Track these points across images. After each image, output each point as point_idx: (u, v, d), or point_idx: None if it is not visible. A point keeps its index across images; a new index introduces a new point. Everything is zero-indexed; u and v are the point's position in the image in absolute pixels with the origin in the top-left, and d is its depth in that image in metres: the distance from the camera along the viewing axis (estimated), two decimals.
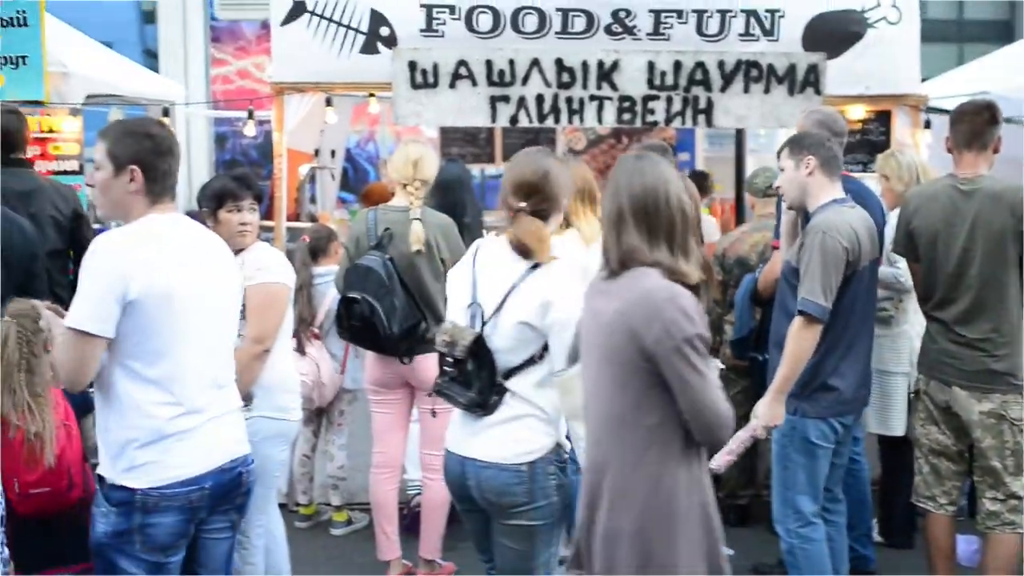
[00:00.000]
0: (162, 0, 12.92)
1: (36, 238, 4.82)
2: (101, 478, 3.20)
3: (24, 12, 6.00)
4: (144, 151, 3.20)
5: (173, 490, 3.14)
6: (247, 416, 4.24)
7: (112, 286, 3.05)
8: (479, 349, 3.49)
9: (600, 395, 2.98)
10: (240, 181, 4.38)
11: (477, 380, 3.50)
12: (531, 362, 3.49)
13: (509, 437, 3.49)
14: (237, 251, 4.33)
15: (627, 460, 2.90)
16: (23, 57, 6.00)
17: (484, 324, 3.52)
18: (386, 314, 4.95)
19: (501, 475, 3.47)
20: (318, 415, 5.98)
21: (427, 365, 5.10)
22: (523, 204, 3.52)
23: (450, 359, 3.57)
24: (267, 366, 4.30)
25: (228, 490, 3.31)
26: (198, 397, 3.21)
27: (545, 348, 3.48)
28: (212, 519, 3.32)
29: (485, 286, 3.57)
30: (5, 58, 6.00)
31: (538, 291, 3.45)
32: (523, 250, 3.50)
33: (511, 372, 3.49)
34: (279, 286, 4.35)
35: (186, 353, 3.18)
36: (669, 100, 6.06)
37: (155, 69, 11.77)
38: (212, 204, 4.34)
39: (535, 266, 3.48)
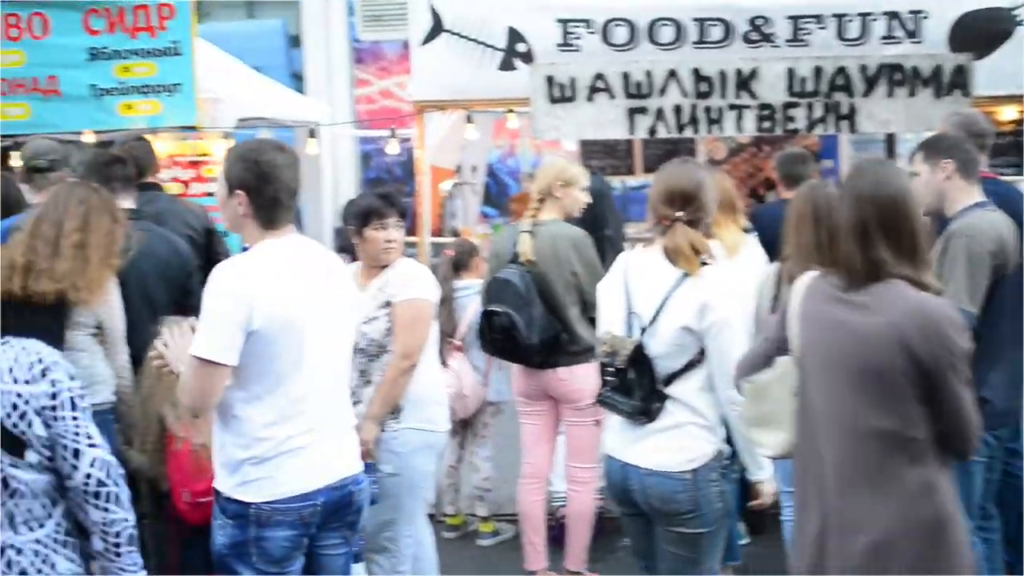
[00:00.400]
0: (307, 25, 13.26)
1: (190, 256, 5.03)
2: (218, 491, 3.29)
3: (177, 42, 6.26)
4: (249, 177, 3.24)
5: (285, 505, 3.22)
6: (395, 428, 4.35)
7: (235, 316, 3.13)
8: (639, 357, 3.53)
9: (843, 408, 2.88)
10: (385, 199, 4.48)
11: (639, 388, 3.54)
12: (690, 367, 3.52)
13: (672, 444, 3.52)
14: (382, 267, 4.45)
15: (897, 474, 2.82)
16: (177, 85, 6.27)
17: (642, 332, 3.55)
18: (525, 325, 5.02)
19: (665, 483, 3.51)
20: (463, 427, 6.05)
21: (568, 378, 5.14)
22: (679, 213, 3.55)
23: (611, 369, 3.61)
24: (417, 378, 4.39)
25: (339, 507, 3.36)
26: (312, 417, 3.28)
27: (702, 352, 3.50)
28: (325, 535, 3.38)
29: (640, 295, 3.60)
30: (161, 86, 6.27)
31: (694, 295, 3.48)
32: (678, 259, 3.52)
33: (671, 378, 3.53)
34: (424, 302, 4.43)
35: (303, 375, 3.25)
36: (810, 107, 5.96)
37: (301, 91, 12.10)
38: (358, 222, 4.45)
39: (688, 272, 3.51)
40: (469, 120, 6.90)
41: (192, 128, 6.41)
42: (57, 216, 4.25)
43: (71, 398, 2.77)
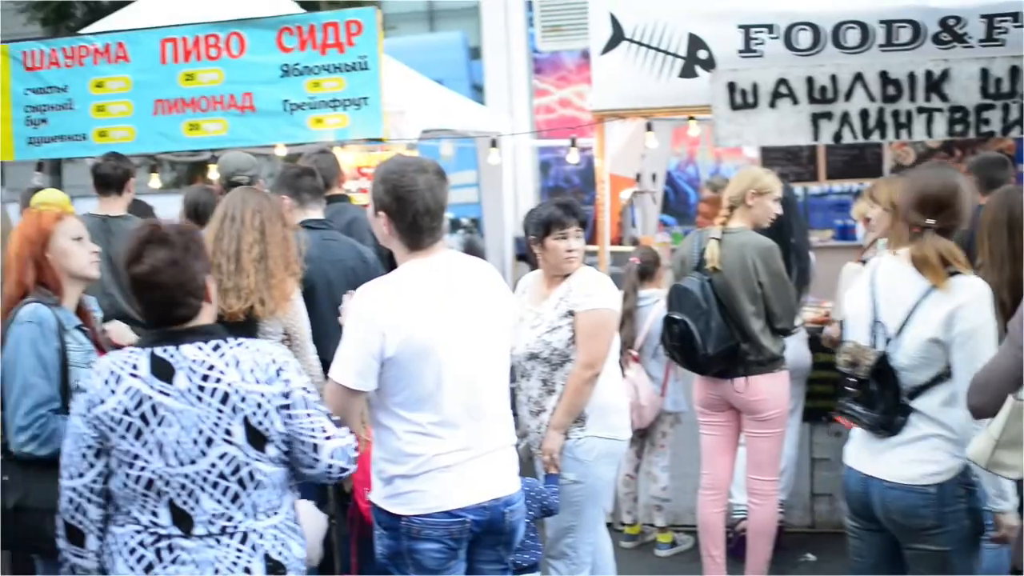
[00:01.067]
0: (487, 36, 13.48)
1: (376, 264, 5.17)
2: (372, 502, 3.38)
3: (365, 57, 6.44)
4: (389, 200, 3.28)
5: (434, 520, 3.26)
6: (580, 436, 4.37)
7: (370, 345, 3.18)
8: (883, 369, 3.44)
9: None
10: (566, 208, 4.50)
11: (881, 400, 3.45)
12: (938, 380, 3.39)
13: (916, 458, 3.41)
14: (564, 276, 4.48)
15: None
16: (364, 98, 6.44)
17: (887, 343, 3.46)
18: (701, 335, 4.99)
19: (908, 497, 3.41)
20: (641, 436, 6.03)
21: (750, 388, 5.07)
22: (930, 221, 3.43)
23: (852, 379, 3.53)
24: (600, 387, 4.39)
25: (491, 527, 3.37)
26: (463, 434, 3.30)
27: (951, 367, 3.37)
28: (480, 551, 3.40)
29: (886, 304, 3.50)
30: (349, 100, 6.46)
31: (942, 304, 3.35)
32: (924, 270, 3.41)
33: (917, 391, 3.42)
34: (607, 311, 4.43)
35: (451, 395, 3.27)
36: (1006, 108, 5.70)
37: (482, 102, 12.30)
38: (539, 231, 4.49)
39: (935, 285, 3.38)
40: (649, 128, 6.89)
41: (378, 140, 6.58)
42: (235, 231, 4.40)
43: (303, 396, 2.93)
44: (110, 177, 5.92)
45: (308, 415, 2.93)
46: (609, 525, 5.16)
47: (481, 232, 11.67)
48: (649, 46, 6.16)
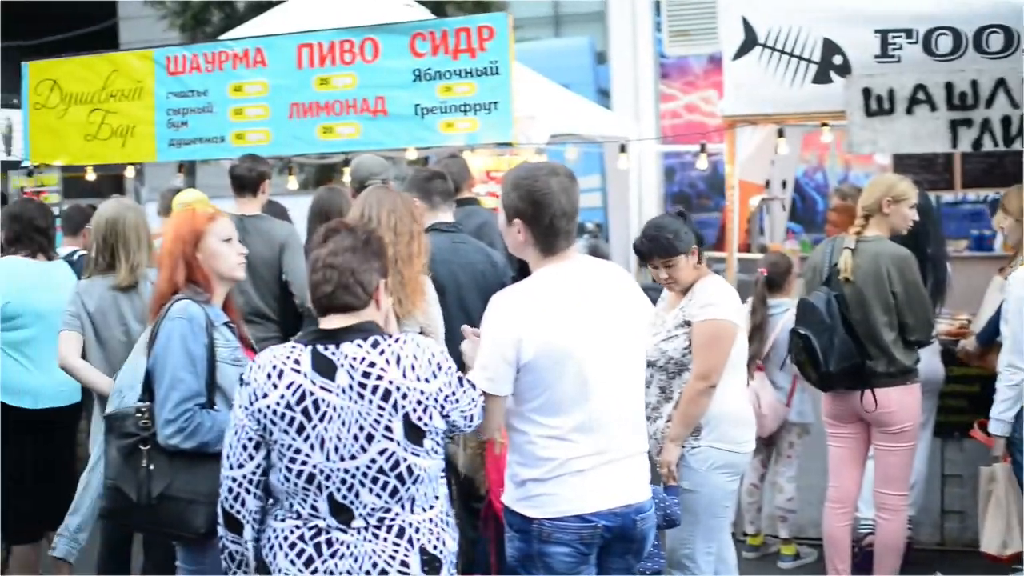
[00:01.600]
0: (614, 41, 13.48)
1: (505, 267, 5.21)
2: (505, 504, 3.40)
3: (496, 62, 6.50)
4: (524, 206, 3.27)
5: (564, 523, 3.26)
6: (695, 445, 4.34)
7: (505, 351, 3.19)
8: None
9: None
10: (646, 241, 4.47)
11: None
12: None
13: None
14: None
15: None
16: (495, 103, 6.50)
17: None
18: (823, 351, 4.93)
19: None
20: (767, 445, 5.96)
21: (882, 401, 4.97)
22: None
23: None
24: (719, 398, 4.35)
25: (622, 533, 3.35)
26: (598, 440, 3.29)
27: None
28: (609, 558, 3.39)
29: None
30: (479, 105, 6.53)
31: None
32: None
33: None
34: (724, 322, 4.37)
35: (586, 401, 3.26)
36: None
37: (608, 107, 12.30)
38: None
39: None
40: (781, 134, 6.80)
41: (507, 144, 6.64)
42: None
43: (457, 388, 3.03)
44: (246, 179, 6.08)
45: (459, 400, 3.03)
46: (732, 535, 5.11)
47: (605, 236, 11.67)
48: (783, 51, 6.08)
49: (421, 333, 4.49)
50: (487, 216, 5.96)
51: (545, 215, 3.26)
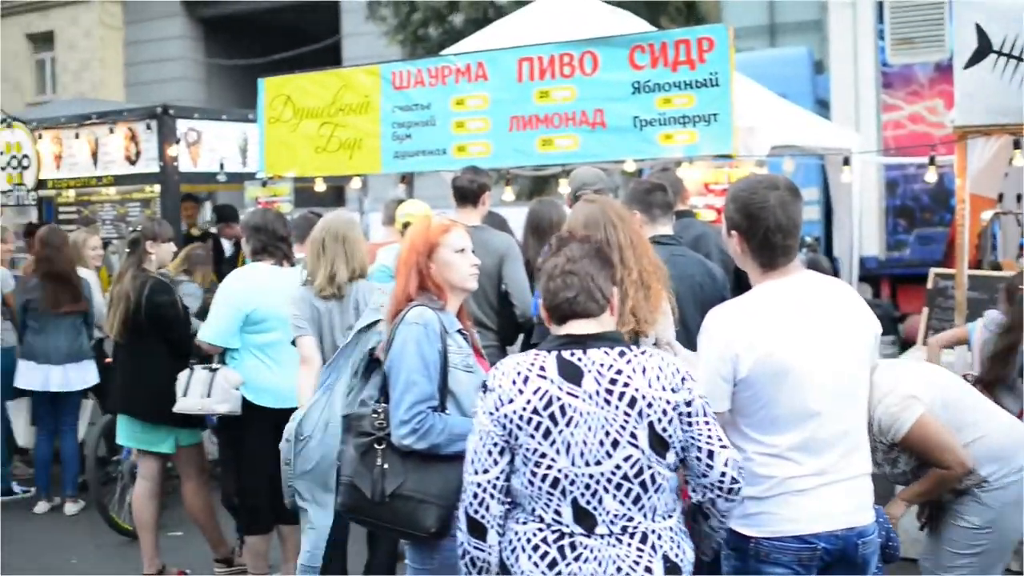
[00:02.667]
0: (833, 50, 13.13)
1: (724, 280, 5.14)
2: None
3: (716, 73, 6.44)
4: (740, 219, 3.24)
5: (782, 544, 3.19)
6: (986, 488, 4.14)
7: (721, 366, 3.16)
8: None
9: None
10: None
11: None
12: None
13: None
14: None
15: None
16: (714, 115, 6.44)
17: None
18: None
19: None
20: None
21: None
22: None
23: None
24: (990, 436, 4.16)
25: (843, 556, 3.25)
26: (819, 459, 3.21)
27: None
28: None
29: None
30: (699, 116, 6.48)
31: None
32: None
33: None
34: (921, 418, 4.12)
35: (806, 419, 3.18)
36: None
37: (827, 118, 11.99)
38: None
39: None
40: (1017, 146, 6.48)
41: (727, 156, 6.58)
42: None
43: (703, 405, 3.00)
44: (467, 190, 6.21)
45: (707, 423, 2.99)
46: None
47: (824, 251, 11.37)
48: (1019, 58, 5.80)
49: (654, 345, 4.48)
50: (704, 228, 5.91)
51: (759, 229, 3.23)
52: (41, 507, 7.94)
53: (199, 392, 5.70)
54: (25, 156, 9.73)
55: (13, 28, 30.07)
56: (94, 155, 9.28)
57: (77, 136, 9.37)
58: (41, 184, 9.69)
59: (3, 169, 9.92)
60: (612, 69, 6.77)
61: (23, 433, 8.06)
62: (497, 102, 7.19)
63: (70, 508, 7.88)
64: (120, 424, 6.29)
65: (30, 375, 7.82)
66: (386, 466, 3.76)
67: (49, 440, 7.98)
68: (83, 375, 7.88)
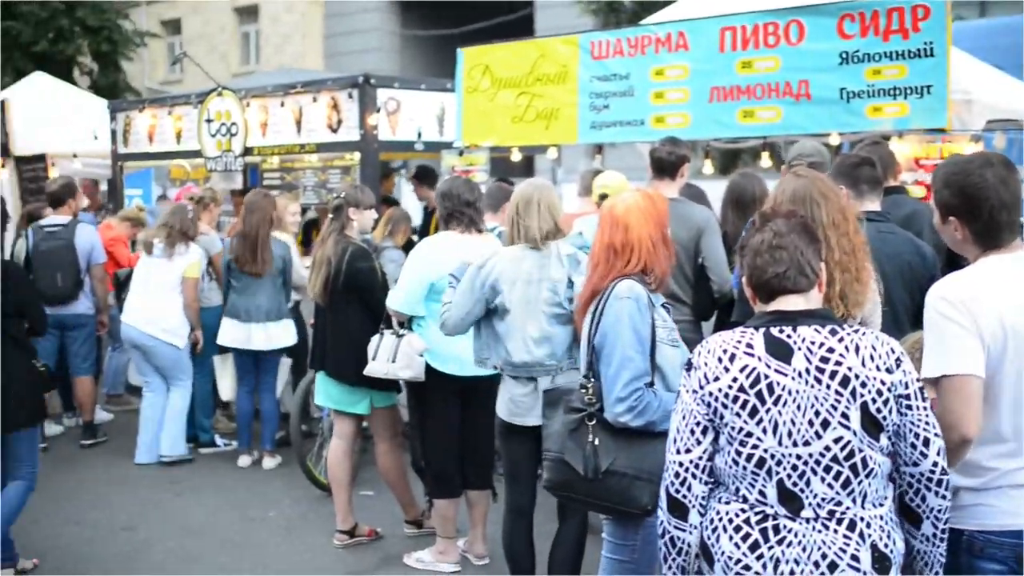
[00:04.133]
0: None
1: (934, 260, 4.90)
2: None
3: (930, 43, 6.14)
4: (957, 203, 3.09)
5: (1000, 538, 3.04)
6: None
7: (969, 335, 2.98)
8: None
9: None
10: None
11: None
12: None
13: None
14: None
15: None
16: (928, 86, 6.14)
17: None
18: None
19: None
20: None
21: None
22: None
23: None
24: None
25: None
26: None
27: None
28: None
29: None
30: (910, 88, 6.19)
31: None
32: None
33: None
34: None
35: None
36: None
37: None
38: None
39: None
40: None
41: (940, 131, 6.27)
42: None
43: (919, 389, 2.88)
44: (665, 161, 6.11)
45: (924, 408, 2.87)
46: None
47: None
48: None
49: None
50: (916, 206, 5.65)
51: (983, 210, 3.08)
52: (243, 461, 8.29)
53: (385, 357, 5.82)
54: (234, 124, 10.11)
55: (221, 2, 31.35)
56: (298, 123, 9.55)
57: (282, 105, 9.67)
58: (247, 151, 10.05)
59: (213, 136, 10.34)
60: (819, 39, 6.53)
61: (227, 388, 8.41)
62: (697, 72, 7.04)
63: (268, 463, 8.21)
64: (319, 384, 6.49)
65: (232, 332, 8.15)
66: (597, 442, 3.75)
67: (250, 396, 8.30)
68: (282, 334, 8.16)
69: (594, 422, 3.76)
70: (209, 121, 10.38)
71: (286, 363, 8.38)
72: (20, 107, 12.69)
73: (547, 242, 5.03)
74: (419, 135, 9.27)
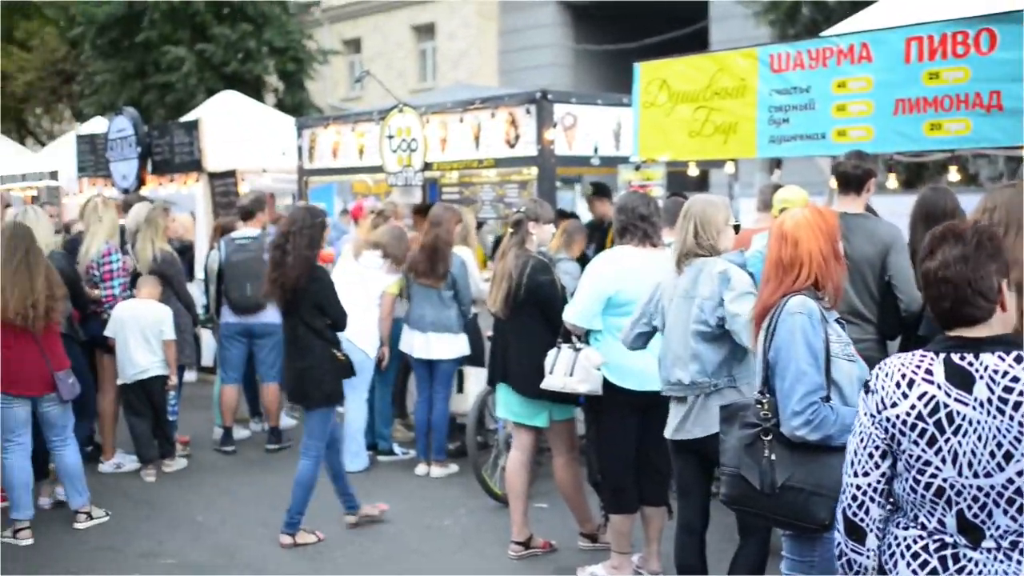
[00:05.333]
0: None
1: None
2: None
3: None
4: None
5: None
6: None
7: None
8: None
9: None
10: None
11: None
12: None
13: None
14: None
15: None
16: None
17: None
18: None
19: None
20: None
21: None
22: None
23: None
24: None
25: None
26: None
27: None
28: None
29: None
30: None
31: None
32: None
33: None
34: None
35: None
36: None
37: None
38: None
39: None
40: None
41: None
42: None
43: None
44: (850, 176, 5.99)
45: None
46: None
47: None
48: None
49: None
50: None
51: None
52: (420, 469, 8.45)
53: (562, 371, 5.87)
54: (414, 139, 10.37)
55: (399, 20, 32.15)
56: (476, 138, 9.74)
57: (461, 120, 9.87)
58: (427, 166, 10.29)
59: (394, 151, 10.62)
60: (1012, 47, 6.27)
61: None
62: (882, 84, 6.86)
63: (436, 472, 8.31)
64: (499, 396, 6.59)
65: (406, 340, 8.40)
66: (774, 457, 3.73)
67: (426, 405, 8.42)
68: (444, 347, 8.25)
69: (770, 437, 3.74)
70: (391, 137, 10.68)
71: (471, 374, 8.46)
72: (212, 125, 13.29)
73: (698, 259, 5.02)
74: (595, 150, 9.33)
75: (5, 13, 33.73)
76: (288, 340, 6.80)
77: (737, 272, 4.91)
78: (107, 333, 8.35)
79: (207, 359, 11.58)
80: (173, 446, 8.76)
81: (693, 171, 8.47)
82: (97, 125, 17.39)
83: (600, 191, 10.19)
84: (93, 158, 15.17)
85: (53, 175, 17.02)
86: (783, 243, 3.94)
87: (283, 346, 7.03)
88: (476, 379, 8.36)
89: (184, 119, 14.88)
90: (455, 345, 8.29)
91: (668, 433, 5.12)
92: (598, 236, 10.27)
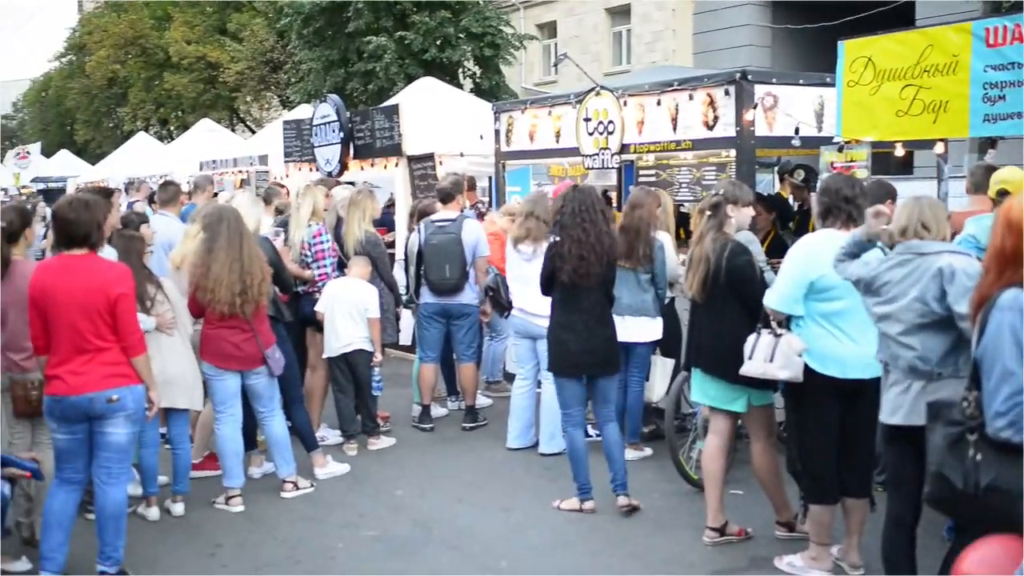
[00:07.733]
0: None
1: None
2: None
3: None
4: None
5: None
6: None
7: None
8: None
9: None
10: None
11: None
12: None
13: None
14: None
15: None
16: None
17: None
18: None
19: None
20: None
21: None
22: None
23: None
24: None
25: None
26: None
27: None
28: None
29: None
30: None
31: None
32: None
33: None
34: None
35: None
36: None
37: None
38: None
39: None
40: None
41: None
42: None
43: None
44: None
45: None
46: None
47: None
48: None
49: None
50: None
51: None
52: None
53: (762, 357, 5.76)
54: (611, 122, 10.35)
55: (594, 3, 32.10)
56: (673, 120, 9.64)
57: (659, 103, 9.78)
58: (624, 148, 10.26)
59: (591, 134, 10.63)
60: None
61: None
62: None
63: (630, 454, 8.16)
64: (695, 381, 6.52)
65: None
66: (979, 457, 3.57)
67: (622, 389, 8.40)
68: (636, 330, 8.16)
69: (975, 436, 3.57)
70: (587, 120, 10.68)
71: (661, 361, 8.39)
72: (411, 110, 13.60)
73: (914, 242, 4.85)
74: (797, 131, 9.09)
75: (219, 7, 35.36)
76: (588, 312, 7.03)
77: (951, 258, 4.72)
78: (318, 308, 8.68)
79: (406, 338, 11.87)
80: (377, 424, 9.01)
81: (899, 152, 8.16)
82: (302, 112, 18.05)
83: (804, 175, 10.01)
84: (299, 143, 15.76)
85: (263, 159, 17.76)
86: (1008, 231, 3.71)
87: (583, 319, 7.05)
88: (661, 368, 8.28)
89: (384, 105, 15.27)
90: (651, 329, 8.24)
91: (884, 417, 4.97)
92: (798, 221, 10.06)
